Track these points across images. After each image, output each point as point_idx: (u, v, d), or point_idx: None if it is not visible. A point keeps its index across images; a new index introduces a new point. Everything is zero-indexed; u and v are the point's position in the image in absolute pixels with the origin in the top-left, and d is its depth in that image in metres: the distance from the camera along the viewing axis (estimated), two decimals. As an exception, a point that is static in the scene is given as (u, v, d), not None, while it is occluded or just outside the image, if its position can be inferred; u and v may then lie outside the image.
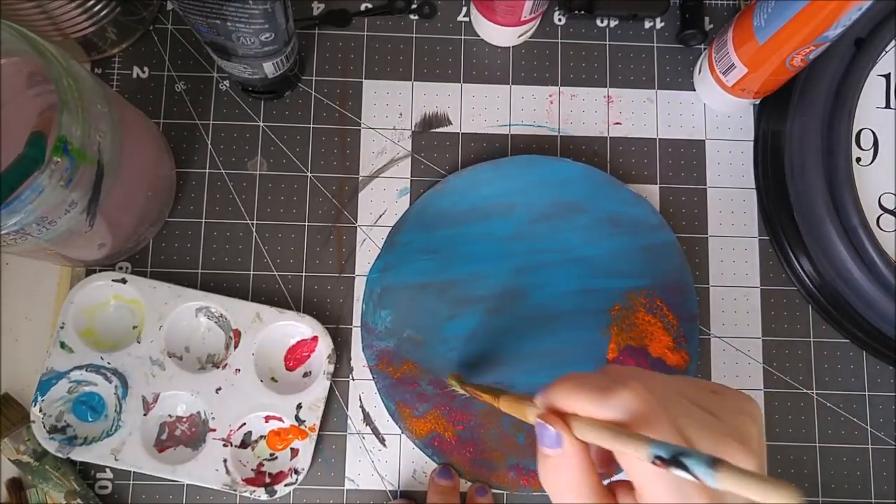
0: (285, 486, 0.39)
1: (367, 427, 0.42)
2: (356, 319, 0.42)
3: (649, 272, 0.42)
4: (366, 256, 0.43)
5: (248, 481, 0.39)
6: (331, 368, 0.40)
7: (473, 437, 0.41)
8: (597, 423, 0.25)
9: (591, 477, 0.26)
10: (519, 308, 0.42)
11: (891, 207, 0.41)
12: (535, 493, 0.41)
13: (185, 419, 0.41)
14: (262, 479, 0.40)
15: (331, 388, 0.41)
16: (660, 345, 0.41)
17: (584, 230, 0.42)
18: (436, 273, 0.42)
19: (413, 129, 0.44)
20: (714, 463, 0.21)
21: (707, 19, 0.46)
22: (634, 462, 0.24)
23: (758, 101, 0.45)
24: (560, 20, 0.46)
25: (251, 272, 0.43)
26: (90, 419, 0.40)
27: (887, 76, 0.42)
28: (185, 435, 0.40)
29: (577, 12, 0.45)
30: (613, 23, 0.46)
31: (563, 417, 0.26)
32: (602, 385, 0.25)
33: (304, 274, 0.43)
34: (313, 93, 0.45)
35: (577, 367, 0.40)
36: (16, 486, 0.40)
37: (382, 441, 0.42)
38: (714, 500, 0.24)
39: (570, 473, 0.26)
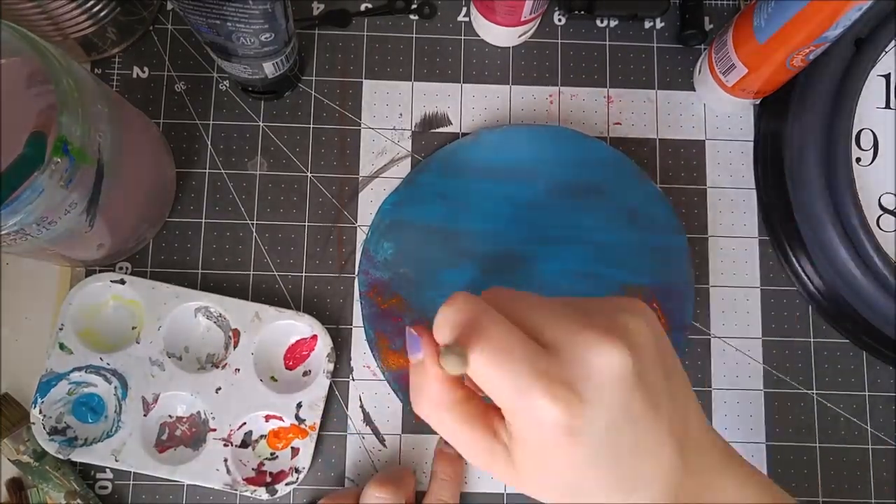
0: (286, 485, 0.39)
1: (367, 427, 0.42)
2: (356, 319, 0.42)
3: (653, 272, 0.42)
4: (366, 256, 0.43)
5: (249, 481, 0.39)
6: (330, 367, 0.40)
7: None
8: (446, 344, 0.24)
9: (455, 392, 0.25)
10: (517, 274, 0.42)
11: (891, 207, 0.41)
12: None
13: (185, 419, 0.41)
14: (263, 478, 0.40)
15: (331, 389, 0.41)
16: None
17: (601, 216, 0.42)
18: (446, 220, 0.42)
19: (413, 129, 0.44)
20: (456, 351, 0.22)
21: (707, 19, 0.46)
22: (493, 392, 0.24)
23: (758, 101, 0.45)
24: (560, 20, 0.46)
25: (251, 272, 0.43)
26: (90, 420, 0.40)
27: (887, 76, 0.42)
28: (186, 435, 0.40)
29: (577, 12, 0.45)
30: (613, 23, 0.46)
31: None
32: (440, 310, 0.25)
33: (304, 274, 0.43)
34: (313, 93, 0.45)
35: None
36: (16, 486, 0.40)
37: (382, 441, 0.42)
38: (573, 434, 0.23)
39: (430, 385, 0.25)
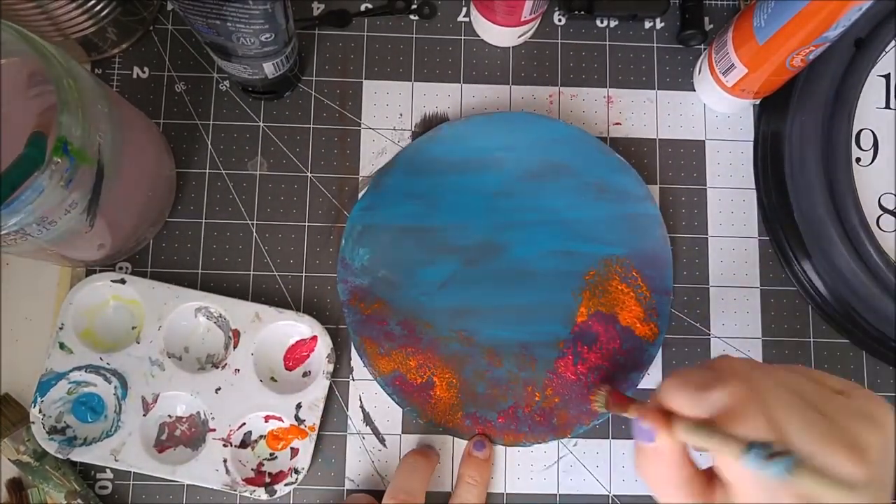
0: (285, 485, 0.39)
1: (367, 427, 0.42)
2: (356, 319, 0.43)
3: (629, 242, 0.42)
4: (366, 256, 0.43)
5: (248, 481, 0.39)
6: (330, 368, 0.40)
7: (434, 382, 0.41)
8: (692, 422, 0.26)
9: (684, 470, 0.27)
10: (495, 262, 0.42)
11: (891, 207, 0.41)
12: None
13: (184, 419, 0.41)
14: (262, 478, 0.40)
15: (331, 388, 0.41)
16: (630, 314, 0.42)
17: (570, 193, 0.43)
18: (418, 218, 0.42)
19: (413, 129, 0.44)
20: (794, 466, 0.22)
21: (707, 19, 0.46)
22: (726, 461, 0.25)
23: (758, 102, 0.45)
24: (560, 20, 0.46)
25: (251, 272, 0.43)
26: (90, 420, 0.40)
27: (887, 76, 0.42)
28: (185, 435, 0.40)
29: (577, 12, 0.45)
30: (613, 23, 0.46)
31: (668, 415, 0.27)
32: (701, 382, 0.26)
33: (304, 274, 0.43)
34: (313, 93, 0.45)
35: (544, 326, 0.42)
36: (16, 486, 0.40)
37: (382, 441, 0.42)
38: (802, 500, 0.24)
39: (663, 467, 0.27)
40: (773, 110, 0.44)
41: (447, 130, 0.43)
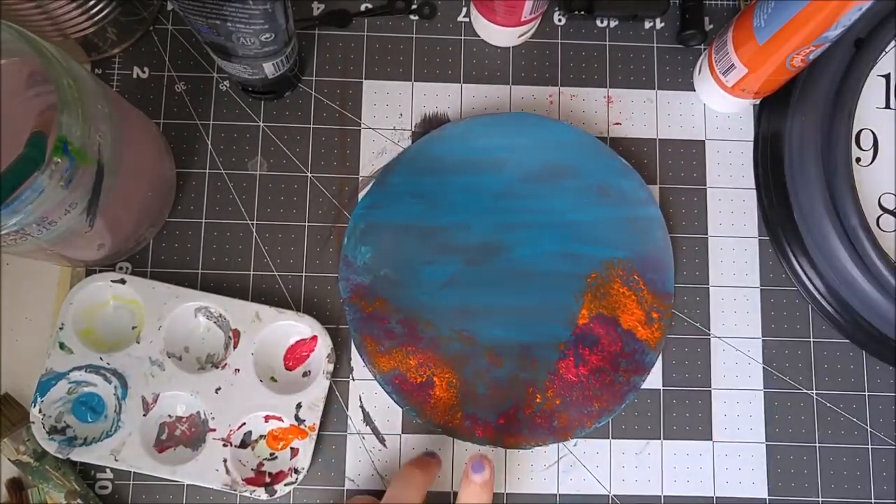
0: (285, 485, 0.39)
1: (367, 427, 0.42)
2: (356, 319, 0.43)
3: (631, 245, 0.42)
4: (366, 256, 0.43)
5: (248, 481, 0.39)
6: (330, 368, 0.40)
7: (434, 382, 0.41)
8: None
9: None
10: (497, 262, 0.42)
11: (891, 208, 0.41)
12: (488, 446, 0.41)
13: (184, 419, 0.41)
14: (262, 478, 0.40)
15: (331, 388, 0.41)
16: (632, 317, 0.42)
17: (572, 195, 0.43)
18: (421, 217, 0.42)
19: (413, 129, 0.45)
20: None
21: (707, 19, 0.46)
22: None
23: (758, 102, 0.45)
24: (560, 20, 0.46)
25: (251, 272, 0.43)
26: (90, 420, 0.40)
27: (887, 76, 0.42)
28: (185, 435, 0.40)
29: (577, 13, 0.45)
30: (613, 23, 0.46)
31: None
32: None
33: (304, 274, 0.43)
34: (313, 93, 0.45)
35: (546, 327, 0.42)
36: (16, 486, 0.40)
37: (382, 441, 0.42)
38: None
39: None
40: (773, 110, 0.44)
41: (452, 130, 0.43)
